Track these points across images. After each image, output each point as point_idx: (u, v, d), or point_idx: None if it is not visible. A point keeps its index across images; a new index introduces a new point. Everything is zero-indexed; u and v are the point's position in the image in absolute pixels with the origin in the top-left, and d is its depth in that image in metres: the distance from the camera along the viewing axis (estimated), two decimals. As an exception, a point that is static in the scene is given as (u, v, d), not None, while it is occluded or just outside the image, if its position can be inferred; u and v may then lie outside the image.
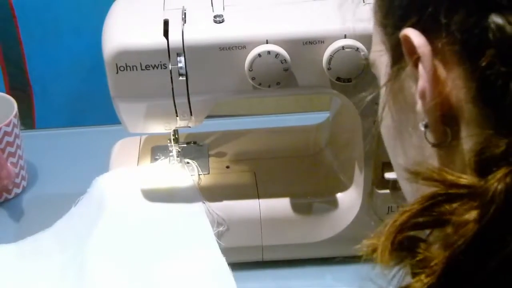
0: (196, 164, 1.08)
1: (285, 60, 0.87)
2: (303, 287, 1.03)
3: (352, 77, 0.88)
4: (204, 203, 1.02)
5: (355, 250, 0.50)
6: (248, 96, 0.94)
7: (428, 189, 0.47)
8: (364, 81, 0.87)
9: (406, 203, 0.54)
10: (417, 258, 0.47)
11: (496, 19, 0.43)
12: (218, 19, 0.89)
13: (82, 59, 1.54)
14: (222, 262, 0.97)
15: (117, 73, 0.88)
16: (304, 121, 1.20)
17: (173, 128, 0.99)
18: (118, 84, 0.90)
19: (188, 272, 0.98)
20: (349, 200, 1.02)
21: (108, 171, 1.09)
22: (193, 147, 1.11)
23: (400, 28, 0.50)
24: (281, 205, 1.02)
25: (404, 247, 0.47)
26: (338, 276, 1.02)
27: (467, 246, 0.44)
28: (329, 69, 0.88)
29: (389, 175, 0.96)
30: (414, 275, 0.47)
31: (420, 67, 0.48)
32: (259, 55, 0.86)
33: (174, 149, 1.07)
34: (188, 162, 1.08)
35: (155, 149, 1.11)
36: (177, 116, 0.94)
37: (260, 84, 0.88)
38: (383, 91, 0.56)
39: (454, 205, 0.45)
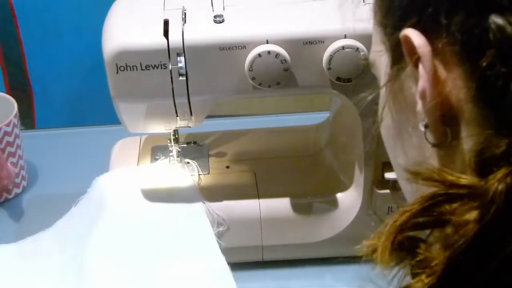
0: (196, 164, 1.08)
1: (285, 60, 0.87)
2: (303, 287, 1.03)
3: (352, 77, 0.88)
4: (204, 203, 1.02)
5: (355, 250, 0.50)
6: (248, 96, 0.94)
7: (428, 189, 0.47)
8: (364, 81, 0.87)
9: (406, 203, 0.54)
10: (417, 259, 0.47)
11: (497, 19, 0.43)
12: (218, 19, 0.89)
13: (82, 59, 1.54)
14: (222, 262, 0.97)
15: (117, 73, 0.88)
16: (304, 121, 1.20)
17: (173, 128, 0.99)
18: (118, 84, 0.90)
19: (188, 272, 0.98)
20: (349, 200, 1.02)
21: (108, 171, 1.09)
22: (193, 147, 1.11)
23: (400, 28, 0.50)
24: (281, 205, 1.02)
25: (404, 248, 0.47)
26: (338, 276, 1.02)
27: (468, 246, 0.44)
28: (329, 69, 0.88)
29: (389, 175, 0.96)
30: (414, 275, 0.47)
31: (420, 67, 0.48)
32: (259, 55, 0.87)
33: (174, 149, 1.07)
34: (188, 162, 1.08)
35: (155, 149, 1.11)
36: (177, 116, 0.94)
37: (260, 84, 0.88)
38: (383, 91, 0.56)
39: (454, 205, 0.45)
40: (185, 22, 0.89)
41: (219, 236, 1.01)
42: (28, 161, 1.21)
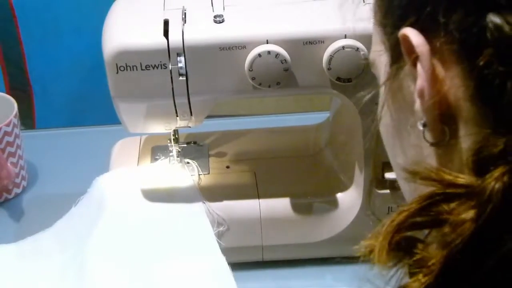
0: (196, 164, 1.08)
1: (285, 60, 0.87)
2: (303, 287, 1.03)
3: (352, 77, 0.88)
4: (204, 203, 1.02)
5: (353, 250, 0.50)
6: (248, 96, 0.94)
7: (426, 189, 0.47)
8: (364, 81, 0.87)
9: (406, 203, 0.54)
10: (415, 258, 0.47)
11: (494, 18, 0.43)
12: (218, 19, 0.89)
13: (82, 59, 1.54)
14: (222, 262, 0.97)
15: (117, 73, 0.88)
16: (304, 121, 1.20)
17: (173, 128, 0.99)
18: (118, 84, 0.90)
19: (188, 272, 0.98)
20: (349, 200, 1.02)
21: (108, 171, 1.09)
22: (193, 147, 1.11)
23: (399, 27, 0.50)
24: (281, 205, 1.02)
25: (401, 247, 0.47)
26: (338, 276, 1.02)
27: (465, 245, 0.44)
28: (329, 69, 0.88)
29: (389, 175, 0.96)
30: (411, 275, 0.47)
31: (419, 66, 0.48)
32: (259, 55, 0.87)
33: (174, 149, 1.07)
34: (188, 162, 1.08)
35: (155, 149, 1.11)
36: (177, 116, 0.94)
37: (260, 84, 0.88)
38: (382, 90, 0.56)
39: (452, 204, 0.45)
40: (185, 22, 0.89)
41: (219, 236, 1.01)
42: (28, 161, 1.21)
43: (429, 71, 0.48)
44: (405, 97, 0.53)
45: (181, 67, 0.88)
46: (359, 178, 0.99)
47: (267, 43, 0.87)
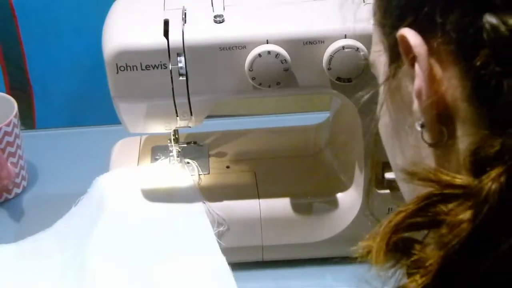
0: (196, 164, 1.08)
1: (285, 60, 0.87)
2: (303, 287, 1.03)
3: (352, 77, 0.88)
4: (204, 203, 1.02)
5: (351, 251, 0.50)
6: (248, 96, 0.94)
7: (424, 190, 0.47)
8: (364, 81, 0.87)
9: (404, 203, 0.54)
10: (412, 259, 0.47)
11: (491, 19, 0.43)
12: (218, 19, 0.89)
13: (82, 59, 1.54)
14: (222, 262, 0.97)
15: (117, 73, 0.88)
16: (304, 121, 1.20)
17: (173, 128, 0.99)
18: (118, 84, 0.90)
19: (188, 272, 0.98)
20: (349, 200, 1.02)
21: (108, 171, 1.09)
22: (193, 147, 1.11)
23: (397, 28, 0.50)
24: (281, 205, 1.02)
25: (399, 248, 0.47)
26: (338, 276, 1.02)
27: (461, 246, 0.44)
28: (329, 69, 0.88)
29: (389, 175, 0.96)
30: (409, 275, 0.47)
31: (416, 66, 0.48)
32: (259, 55, 0.87)
33: (174, 149, 1.07)
34: (188, 162, 1.08)
35: (155, 149, 1.11)
36: (177, 116, 0.94)
37: (260, 84, 0.88)
38: (381, 90, 0.56)
39: (449, 205, 0.45)
40: (185, 22, 0.89)
41: (219, 236, 1.01)
42: (28, 161, 1.21)
43: (426, 71, 0.48)
44: (403, 97, 0.53)
45: (181, 67, 0.88)
46: (359, 178, 0.99)
47: (267, 43, 0.87)
